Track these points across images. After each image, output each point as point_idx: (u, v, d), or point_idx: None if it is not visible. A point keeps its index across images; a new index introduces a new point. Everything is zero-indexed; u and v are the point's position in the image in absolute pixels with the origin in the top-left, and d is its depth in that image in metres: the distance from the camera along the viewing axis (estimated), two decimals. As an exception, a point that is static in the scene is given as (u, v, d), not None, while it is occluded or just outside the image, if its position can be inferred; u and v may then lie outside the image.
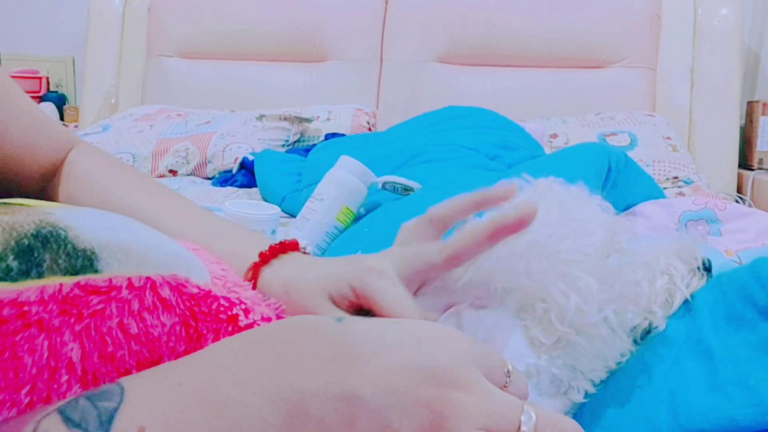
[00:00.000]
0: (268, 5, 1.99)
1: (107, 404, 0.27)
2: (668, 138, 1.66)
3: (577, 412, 0.37)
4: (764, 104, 1.86)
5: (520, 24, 1.90)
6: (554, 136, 1.68)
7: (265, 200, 1.26)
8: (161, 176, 1.57)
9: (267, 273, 0.44)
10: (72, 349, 0.29)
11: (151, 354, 0.32)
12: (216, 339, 0.36)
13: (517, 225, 0.37)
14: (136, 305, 0.31)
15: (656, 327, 0.39)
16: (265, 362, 0.29)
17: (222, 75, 2.02)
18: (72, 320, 0.29)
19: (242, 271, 0.44)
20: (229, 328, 0.36)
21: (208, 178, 1.57)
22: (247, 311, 0.37)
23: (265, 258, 0.44)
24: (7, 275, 0.26)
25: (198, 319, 0.35)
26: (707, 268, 0.43)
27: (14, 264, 0.27)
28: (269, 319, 0.39)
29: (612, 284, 0.35)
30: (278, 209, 0.91)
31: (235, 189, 1.44)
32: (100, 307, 0.30)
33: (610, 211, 0.41)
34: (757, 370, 0.33)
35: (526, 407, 0.28)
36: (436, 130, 1.20)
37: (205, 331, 0.35)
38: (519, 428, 0.27)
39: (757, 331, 0.35)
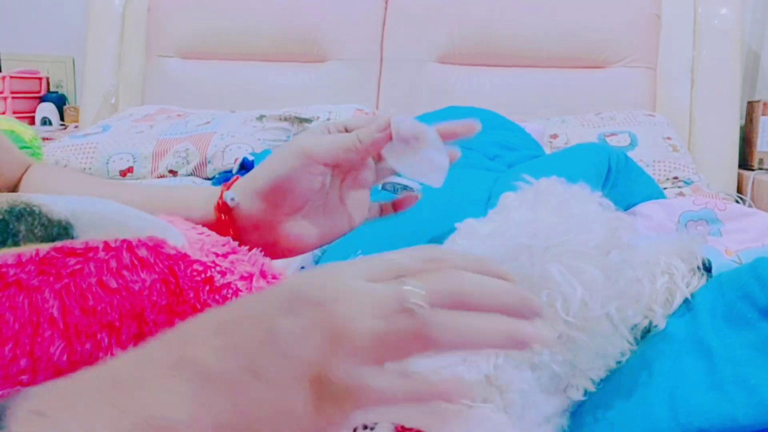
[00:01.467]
0: (268, 5, 1.99)
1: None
2: (668, 138, 1.66)
3: (578, 411, 0.37)
4: (764, 104, 1.86)
5: (520, 24, 1.90)
6: (554, 136, 1.68)
7: (265, 200, 1.26)
8: (161, 176, 1.57)
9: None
10: (53, 306, 0.30)
11: (133, 306, 0.33)
12: (197, 297, 0.36)
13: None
14: (114, 264, 0.32)
15: (656, 326, 0.39)
16: (157, 344, 0.30)
17: (222, 75, 2.02)
18: (51, 279, 0.30)
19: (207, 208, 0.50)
20: (206, 288, 0.37)
21: (208, 179, 1.57)
22: (223, 272, 0.38)
23: (228, 185, 0.50)
24: None
25: (178, 276, 0.35)
26: (707, 268, 0.43)
27: None
28: (250, 277, 0.40)
29: (615, 280, 0.35)
30: (278, 209, 0.90)
31: (235, 189, 1.44)
32: (78, 267, 0.31)
33: (611, 208, 0.41)
34: (757, 369, 0.33)
35: (408, 281, 0.28)
36: (436, 130, 1.20)
37: (185, 288, 0.36)
38: (408, 300, 0.28)
39: (757, 331, 0.35)
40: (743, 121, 1.94)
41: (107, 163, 1.58)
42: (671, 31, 1.89)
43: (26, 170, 0.60)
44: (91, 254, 0.31)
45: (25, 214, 0.30)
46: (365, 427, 0.26)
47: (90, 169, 1.56)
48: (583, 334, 0.34)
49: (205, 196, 0.51)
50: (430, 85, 1.95)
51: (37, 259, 0.29)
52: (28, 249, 0.29)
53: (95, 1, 2.11)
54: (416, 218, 0.63)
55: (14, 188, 0.59)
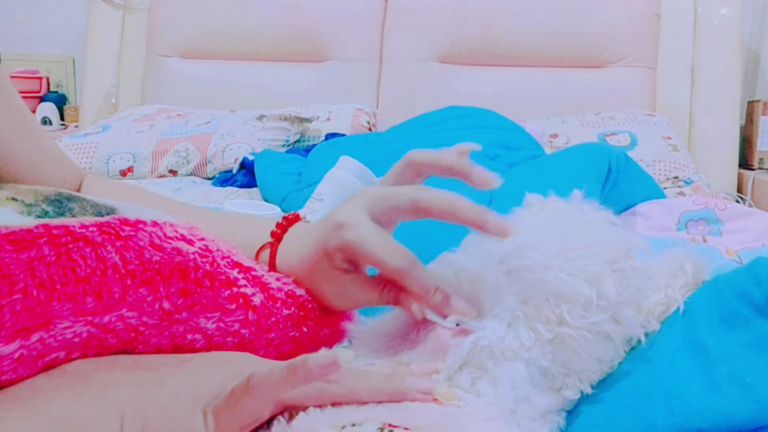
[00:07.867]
0: (267, 5, 1.99)
1: None
2: (668, 138, 1.66)
3: (573, 412, 0.37)
4: (764, 104, 1.86)
5: (520, 24, 1.90)
6: (554, 136, 1.68)
7: (266, 200, 1.27)
8: (161, 176, 1.57)
9: (279, 253, 0.46)
10: (116, 257, 0.34)
11: (180, 264, 0.37)
12: (228, 280, 0.39)
13: (492, 229, 0.38)
14: (161, 233, 0.37)
15: (652, 330, 0.39)
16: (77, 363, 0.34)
17: (222, 75, 2.02)
18: (112, 237, 0.34)
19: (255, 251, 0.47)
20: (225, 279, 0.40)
21: (209, 178, 1.57)
22: (245, 285, 0.41)
23: (278, 237, 0.46)
24: (46, 215, 0.32)
25: (212, 252, 0.39)
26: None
27: (49, 209, 0.33)
28: (279, 293, 0.42)
29: (626, 287, 0.35)
30: (278, 209, 0.91)
31: (236, 189, 1.44)
32: (132, 233, 0.35)
33: (620, 225, 0.41)
34: (753, 367, 0.34)
35: None
36: (436, 130, 1.20)
37: (218, 265, 0.39)
38: None
39: (752, 329, 0.35)
40: (743, 121, 1.94)
41: (107, 162, 1.58)
42: (671, 31, 1.89)
43: (81, 182, 0.59)
44: (140, 225, 0.36)
45: (73, 198, 0.35)
46: (353, 425, 0.26)
47: (90, 168, 1.56)
48: (588, 334, 0.34)
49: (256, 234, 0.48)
50: (430, 85, 1.95)
51: (97, 223, 0.34)
52: (87, 218, 0.34)
53: (95, 1, 2.11)
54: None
55: None
